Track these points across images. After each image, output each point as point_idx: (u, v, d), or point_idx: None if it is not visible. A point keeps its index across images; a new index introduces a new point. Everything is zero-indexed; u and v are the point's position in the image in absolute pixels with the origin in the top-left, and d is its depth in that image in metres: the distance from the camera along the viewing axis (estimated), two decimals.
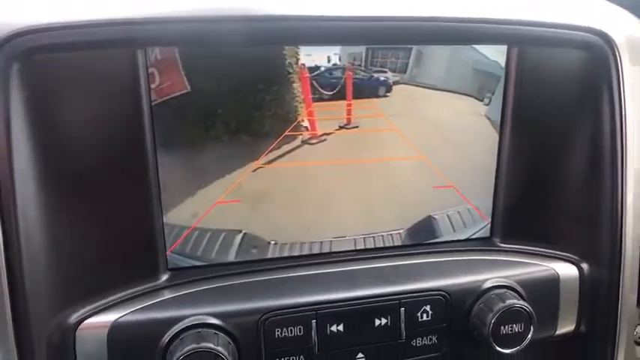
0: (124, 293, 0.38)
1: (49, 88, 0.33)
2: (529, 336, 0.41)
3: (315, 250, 0.43)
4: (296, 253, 0.42)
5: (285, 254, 0.42)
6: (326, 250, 0.43)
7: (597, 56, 0.42)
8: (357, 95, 0.40)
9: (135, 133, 0.36)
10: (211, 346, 0.35)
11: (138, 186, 0.37)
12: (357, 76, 0.40)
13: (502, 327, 0.41)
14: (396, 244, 0.45)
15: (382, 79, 0.40)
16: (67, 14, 0.33)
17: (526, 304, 0.41)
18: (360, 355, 0.40)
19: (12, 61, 0.32)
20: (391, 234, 0.45)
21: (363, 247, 0.44)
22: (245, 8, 0.34)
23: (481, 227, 0.47)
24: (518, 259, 0.45)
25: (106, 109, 0.35)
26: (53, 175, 0.34)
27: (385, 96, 0.41)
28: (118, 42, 0.34)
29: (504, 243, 0.47)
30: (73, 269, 0.36)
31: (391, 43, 0.40)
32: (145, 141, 0.37)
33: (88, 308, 0.36)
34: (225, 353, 0.35)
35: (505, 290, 0.42)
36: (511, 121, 0.44)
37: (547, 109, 0.43)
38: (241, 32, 0.35)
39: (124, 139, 0.36)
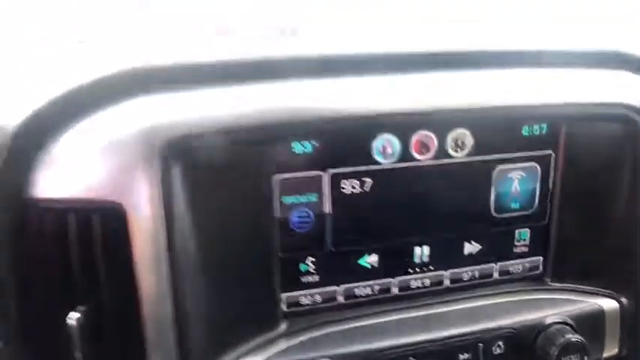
0: (253, 342, 0.46)
1: (201, 179, 0.41)
2: None
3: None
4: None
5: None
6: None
7: (632, 128, 0.51)
8: None
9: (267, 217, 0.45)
10: None
11: (265, 260, 0.46)
12: None
13: (562, 358, 0.49)
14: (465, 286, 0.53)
15: None
16: (217, 119, 0.41)
17: (581, 338, 0.49)
18: None
19: (173, 161, 0.40)
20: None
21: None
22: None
23: (534, 268, 0.55)
24: (569, 297, 0.54)
25: (244, 195, 0.43)
26: (203, 246, 0.42)
27: None
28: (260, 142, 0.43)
29: (555, 282, 0.55)
30: (218, 324, 0.44)
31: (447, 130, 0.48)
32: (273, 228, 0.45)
33: (231, 355, 0.44)
34: None
35: (562, 325, 0.51)
36: (561, 180, 0.52)
37: (592, 169, 0.52)
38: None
39: (258, 222, 0.44)
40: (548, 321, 0.51)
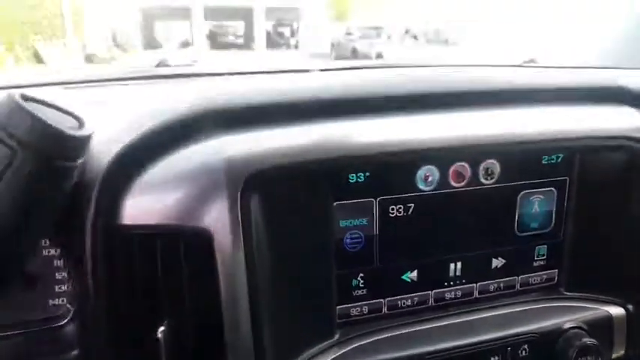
0: (313, 350, 0.52)
1: (274, 206, 0.47)
2: None
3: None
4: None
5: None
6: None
7: (635, 156, 0.58)
8: None
9: (326, 239, 0.51)
10: None
11: (324, 276, 0.52)
12: None
13: (580, 359, 0.56)
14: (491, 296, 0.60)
15: None
16: (288, 154, 0.47)
17: (594, 340, 0.56)
18: None
19: (252, 191, 0.46)
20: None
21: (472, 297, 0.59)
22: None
23: (550, 279, 0.62)
24: (581, 304, 0.61)
25: (309, 220, 0.49)
26: (275, 265, 0.48)
27: None
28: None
29: (568, 291, 0.62)
30: (286, 334, 0.49)
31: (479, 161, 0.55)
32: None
33: None
34: None
35: (578, 330, 0.58)
36: (574, 202, 0.59)
37: (601, 192, 0.59)
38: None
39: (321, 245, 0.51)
40: (566, 326, 0.58)
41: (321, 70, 0.89)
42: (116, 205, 0.47)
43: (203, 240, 0.45)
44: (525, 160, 0.56)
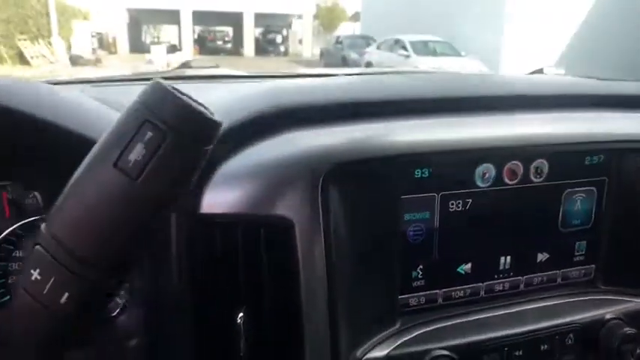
0: (378, 337, 0.54)
1: (350, 198, 0.50)
2: (638, 351, 0.60)
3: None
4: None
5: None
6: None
7: None
8: None
9: (392, 231, 0.54)
10: None
11: (390, 267, 0.55)
12: None
13: (622, 346, 0.59)
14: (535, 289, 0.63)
15: None
16: (363, 150, 0.50)
17: (634, 330, 0.60)
18: None
19: (331, 183, 0.49)
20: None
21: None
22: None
23: (587, 274, 0.66)
24: (616, 297, 0.65)
25: (379, 212, 0.53)
26: (348, 254, 0.51)
27: None
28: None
29: (604, 286, 0.66)
30: (355, 321, 0.52)
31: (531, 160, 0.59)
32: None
33: (365, 346, 0.53)
34: None
35: (618, 321, 0.61)
36: (612, 201, 0.63)
37: (637, 191, 0.63)
38: None
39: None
40: (607, 317, 0.61)
41: (347, 75, 0.93)
42: (199, 194, 0.49)
43: (284, 228, 0.48)
44: (571, 160, 0.60)
